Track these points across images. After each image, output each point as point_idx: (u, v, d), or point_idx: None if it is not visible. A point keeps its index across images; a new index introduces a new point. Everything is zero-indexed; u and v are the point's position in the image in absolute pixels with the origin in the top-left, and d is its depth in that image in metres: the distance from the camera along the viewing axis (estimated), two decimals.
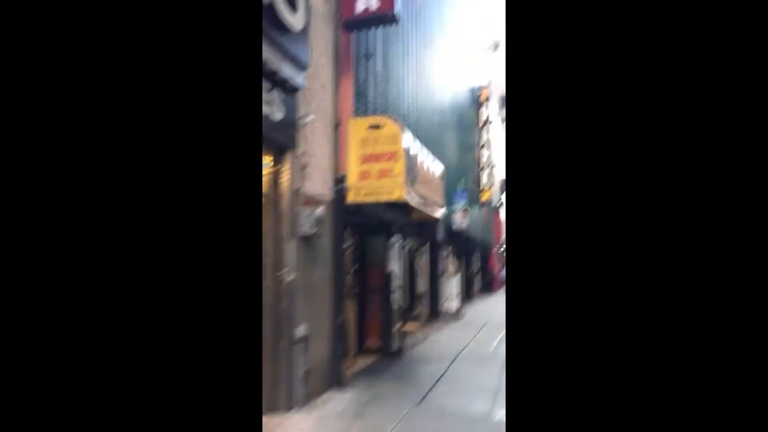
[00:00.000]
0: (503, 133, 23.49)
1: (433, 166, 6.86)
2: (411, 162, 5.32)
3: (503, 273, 21.43)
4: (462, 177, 13.01)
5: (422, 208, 6.12)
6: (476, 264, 18.27)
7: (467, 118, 15.73)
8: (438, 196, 7.07)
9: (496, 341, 7.69)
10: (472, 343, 7.54)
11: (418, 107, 8.79)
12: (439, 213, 7.12)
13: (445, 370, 5.66)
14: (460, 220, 11.34)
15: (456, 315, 10.75)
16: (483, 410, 4.24)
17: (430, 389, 4.86)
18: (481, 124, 18.06)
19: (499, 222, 25.72)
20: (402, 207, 6.24)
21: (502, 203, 26.04)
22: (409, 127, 6.06)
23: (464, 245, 14.12)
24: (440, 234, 9.86)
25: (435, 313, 10.30)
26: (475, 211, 16.34)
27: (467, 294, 14.76)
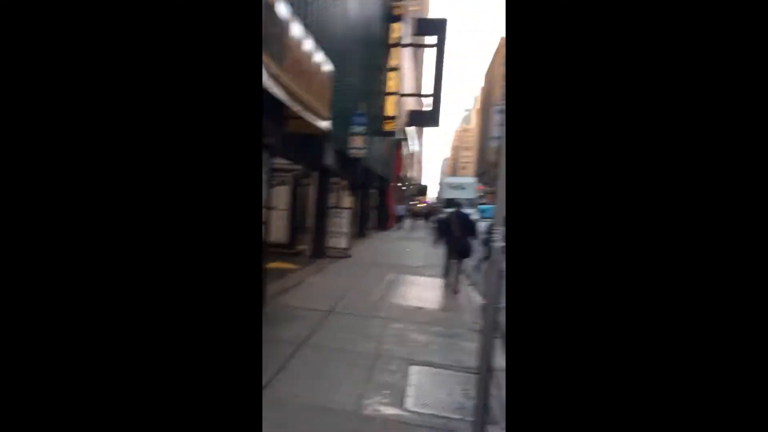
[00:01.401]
0: (412, 61, 21.82)
1: (316, 57, 5.12)
2: (276, 29, 3.60)
3: (400, 209, 20.72)
4: (363, 99, 11.21)
5: (296, 110, 4.50)
6: (373, 199, 17.36)
7: (375, 33, 13.51)
8: (321, 102, 5.32)
9: (383, 284, 6.60)
10: (352, 291, 6.17)
11: None
12: (324, 125, 5.48)
13: (310, 335, 4.12)
14: (357, 147, 9.83)
15: (344, 252, 9.38)
16: (347, 403, 2.83)
17: (279, 370, 3.29)
18: (391, 42, 15.76)
19: (401, 157, 23.32)
20: (270, 110, 4.41)
21: (405, 138, 23.55)
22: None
23: (360, 176, 12.78)
24: (329, 158, 8.26)
25: (320, 251, 8.90)
26: (377, 141, 14.80)
27: (360, 231, 14.02)
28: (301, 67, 4.58)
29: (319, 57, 5.29)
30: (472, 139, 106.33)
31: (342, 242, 9.46)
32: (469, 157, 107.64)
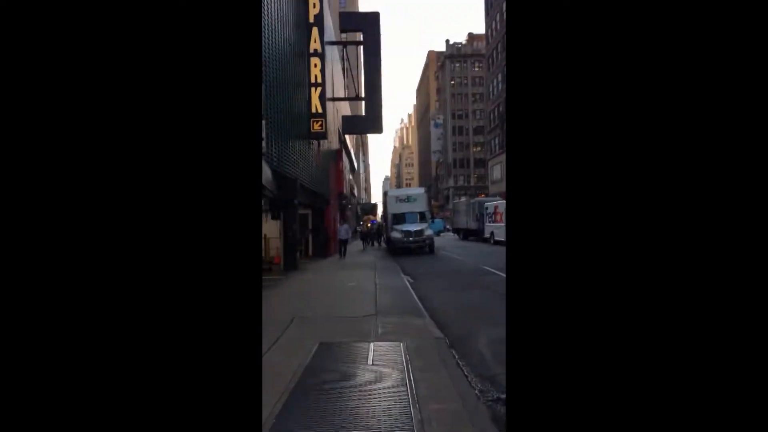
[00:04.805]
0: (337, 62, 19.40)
1: None
2: None
3: (342, 230, 16.43)
4: (285, 93, 8.21)
5: None
6: (305, 222, 14.21)
7: (291, 11, 10.77)
8: None
9: (292, 378, 3.15)
10: None
11: None
12: None
13: None
14: (263, 148, 6.61)
15: None
16: None
17: None
18: (311, 20, 12.65)
19: (341, 170, 20.22)
20: None
21: (344, 148, 20.58)
22: None
23: (284, 192, 9.44)
24: None
25: None
26: (302, 147, 11.81)
27: (289, 262, 10.81)
28: None
29: None
30: (413, 155, 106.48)
31: None
32: (413, 173, 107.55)
